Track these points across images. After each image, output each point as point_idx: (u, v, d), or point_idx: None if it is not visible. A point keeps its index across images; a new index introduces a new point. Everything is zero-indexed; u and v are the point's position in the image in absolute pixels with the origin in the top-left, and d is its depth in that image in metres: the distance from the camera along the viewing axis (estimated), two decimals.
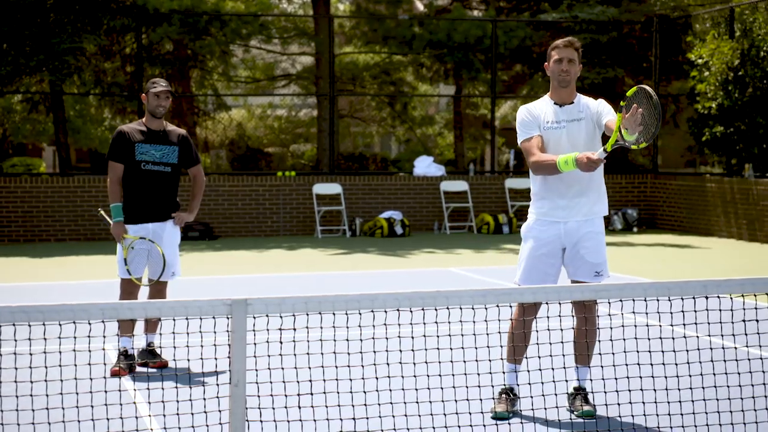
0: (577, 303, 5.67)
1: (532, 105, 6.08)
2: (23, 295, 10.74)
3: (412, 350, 4.67)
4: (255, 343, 4.47)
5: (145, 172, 7.32)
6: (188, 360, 4.43)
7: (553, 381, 5.11)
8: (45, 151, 30.36)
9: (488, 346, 5.06)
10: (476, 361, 5.00)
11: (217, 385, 4.38)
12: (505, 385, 5.80)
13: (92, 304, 3.46)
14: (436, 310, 4.14)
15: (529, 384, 4.98)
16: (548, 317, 5.30)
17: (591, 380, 5.69)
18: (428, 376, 4.93)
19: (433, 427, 4.75)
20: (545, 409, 5.21)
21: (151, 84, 7.34)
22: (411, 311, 4.05)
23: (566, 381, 5.55)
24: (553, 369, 5.25)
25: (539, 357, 5.03)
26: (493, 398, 5.62)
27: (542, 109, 6.01)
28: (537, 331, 5.18)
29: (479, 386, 4.99)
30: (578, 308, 5.72)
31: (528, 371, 5.08)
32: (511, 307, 5.78)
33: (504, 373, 5.81)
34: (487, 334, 4.67)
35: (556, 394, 5.19)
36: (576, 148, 5.90)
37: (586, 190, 5.91)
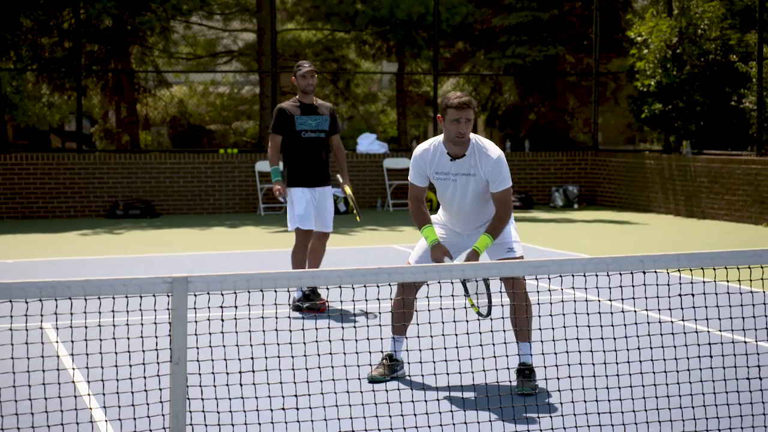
0: (507, 280, 5.74)
1: (425, 151, 6.01)
2: None
3: (354, 327, 4.69)
4: (196, 321, 4.46)
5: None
6: (128, 339, 4.39)
7: (507, 356, 5.16)
8: None
9: (430, 323, 5.09)
10: (418, 337, 5.03)
11: (158, 363, 4.36)
12: (385, 351, 6.02)
13: (30, 282, 3.42)
14: (378, 286, 4.15)
15: (482, 358, 5.03)
16: (501, 292, 5.34)
17: (531, 355, 5.75)
18: (370, 352, 4.95)
19: (375, 403, 4.78)
20: (497, 384, 5.26)
21: (297, 67, 8.58)
22: (353, 288, 4.06)
23: (512, 356, 5.61)
24: (505, 344, 5.30)
25: (492, 332, 5.08)
26: (373, 364, 5.75)
27: (434, 158, 5.96)
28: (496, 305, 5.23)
29: (420, 362, 5.03)
30: (508, 284, 5.79)
31: (481, 345, 5.13)
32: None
33: (393, 338, 6.03)
34: (429, 311, 4.70)
35: (509, 369, 5.24)
36: (465, 198, 5.94)
37: (481, 227, 6.04)
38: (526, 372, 5.76)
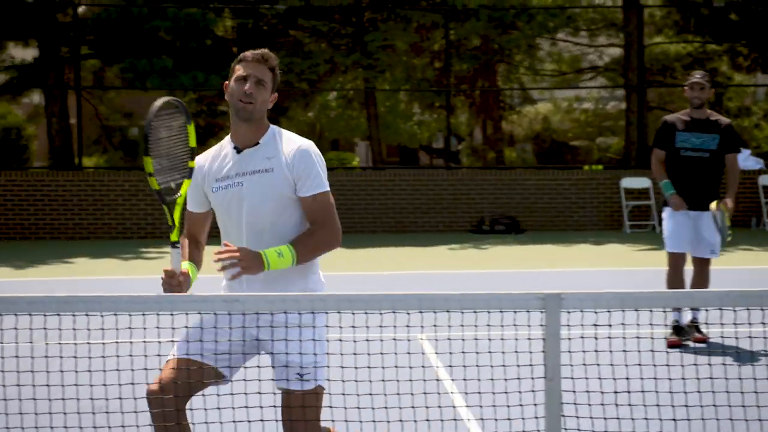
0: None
1: (207, 154, 4.01)
2: None
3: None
4: (569, 338, 4.42)
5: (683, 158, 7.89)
6: (503, 353, 4.44)
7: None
8: (358, 146, 31.69)
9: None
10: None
11: (532, 378, 4.36)
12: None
13: (410, 294, 3.53)
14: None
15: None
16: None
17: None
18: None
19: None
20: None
21: (688, 77, 7.94)
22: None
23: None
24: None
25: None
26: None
27: (214, 160, 3.95)
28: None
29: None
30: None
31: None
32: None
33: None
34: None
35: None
36: (256, 216, 3.81)
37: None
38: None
